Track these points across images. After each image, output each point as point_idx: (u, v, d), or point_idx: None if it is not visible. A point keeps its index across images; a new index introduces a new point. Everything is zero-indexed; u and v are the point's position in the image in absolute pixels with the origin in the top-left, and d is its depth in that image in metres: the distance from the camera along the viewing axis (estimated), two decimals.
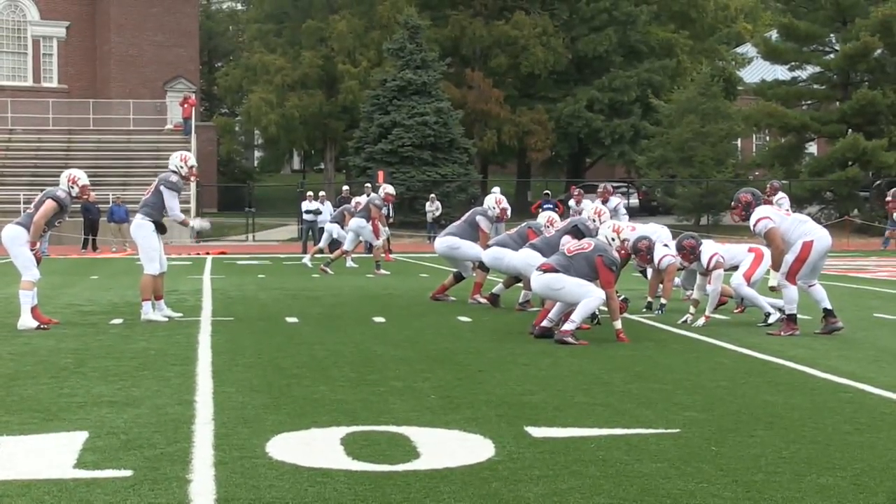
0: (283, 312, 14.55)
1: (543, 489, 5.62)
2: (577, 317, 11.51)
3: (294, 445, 6.53)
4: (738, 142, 59.39)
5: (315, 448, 6.48)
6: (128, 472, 5.87)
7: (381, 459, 6.17)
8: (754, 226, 12.31)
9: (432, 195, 42.46)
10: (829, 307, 12.34)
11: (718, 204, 48.49)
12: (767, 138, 60.14)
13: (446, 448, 6.53)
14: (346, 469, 5.97)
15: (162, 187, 13.64)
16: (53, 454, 6.31)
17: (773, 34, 55.31)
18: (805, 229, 12.27)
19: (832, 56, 51.29)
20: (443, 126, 50.37)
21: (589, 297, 11.62)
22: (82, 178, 13.55)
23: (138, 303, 16.00)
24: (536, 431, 6.94)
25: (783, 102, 51.12)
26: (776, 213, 12.53)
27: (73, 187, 13.31)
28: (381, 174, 41.07)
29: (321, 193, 38.45)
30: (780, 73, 57.24)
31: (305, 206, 36.43)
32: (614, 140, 57.71)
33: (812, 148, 58.46)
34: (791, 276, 12.16)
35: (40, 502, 5.35)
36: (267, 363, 9.95)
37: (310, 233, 36.86)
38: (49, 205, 12.89)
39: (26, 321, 12.62)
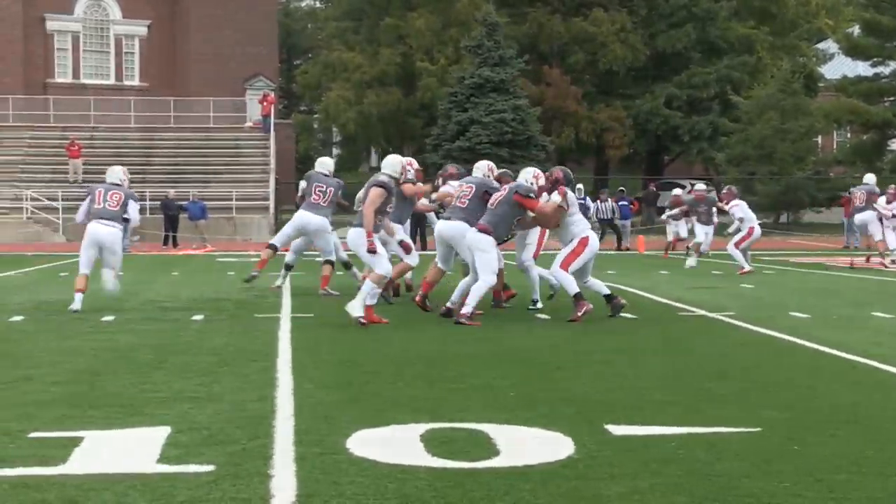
0: None
1: (623, 487, 5.58)
2: (472, 300, 12.81)
3: (374, 442, 6.53)
4: (819, 139, 58.65)
5: (395, 445, 6.49)
6: (210, 467, 5.91)
7: (461, 456, 6.16)
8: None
9: None
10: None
11: (798, 201, 47.99)
12: (849, 135, 59.35)
13: (526, 445, 6.52)
14: (426, 466, 5.97)
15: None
16: (137, 449, 6.37)
17: (855, 30, 54.60)
18: None
19: None
20: (520, 123, 50.26)
21: (484, 279, 12.90)
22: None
23: (217, 298, 16.20)
24: (616, 429, 6.91)
25: (865, 99, 50.46)
26: None
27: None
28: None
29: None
30: (862, 69, 56.43)
31: None
32: (693, 137, 57.25)
33: (895, 145, 57.58)
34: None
35: (124, 496, 5.40)
36: (346, 360, 9.99)
37: None
38: (375, 192, 12.99)
39: (356, 308, 12.47)
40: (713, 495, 5.46)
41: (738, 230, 22.56)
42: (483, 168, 14.47)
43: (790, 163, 49.33)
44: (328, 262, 16.77)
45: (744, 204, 22.98)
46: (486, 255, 13.00)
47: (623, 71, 57.43)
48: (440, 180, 15.96)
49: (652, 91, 57.78)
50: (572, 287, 13.23)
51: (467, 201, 14.02)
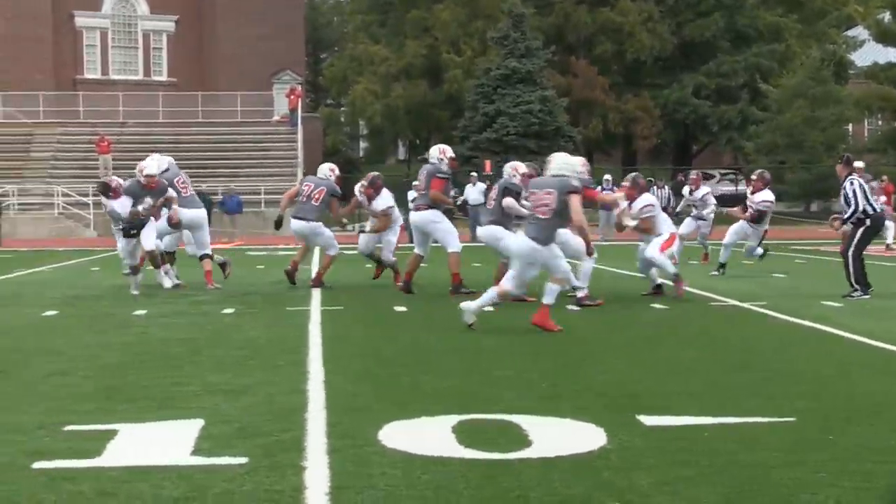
0: (392, 302, 14.61)
1: (656, 478, 5.58)
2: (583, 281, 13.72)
3: (406, 434, 6.55)
4: (850, 126, 58.26)
5: (427, 436, 6.50)
6: (243, 459, 5.94)
7: (493, 447, 6.17)
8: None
9: None
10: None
11: (829, 190, 47.64)
12: (880, 122, 58.92)
13: (557, 436, 6.52)
14: (458, 457, 5.98)
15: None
16: (171, 441, 6.41)
17: (886, 16, 54.09)
18: None
19: None
20: (548, 114, 50.18)
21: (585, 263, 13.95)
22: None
23: (248, 292, 16.26)
24: (648, 420, 6.90)
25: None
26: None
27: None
28: (487, 163, 40.90)
29: (415, 182, 38.45)
30: (893, 55, 55.96)
31: (412, 195, 36.55)
32: (722, 126, 57.02)
33: None
34: None
35: (159, 488, 5.43)
36: (376, 352, 10.02)
37: None
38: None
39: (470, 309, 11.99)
40: (746, 485, 5.45)
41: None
42: (507, 169, 15.01)
43: (821, 151, 49.03)
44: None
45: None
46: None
47: (650, 60, 57.23)
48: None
49: (680, 80, 57.54)
50: (670, 268, 14.79)
51: (493, 202, 14.75)
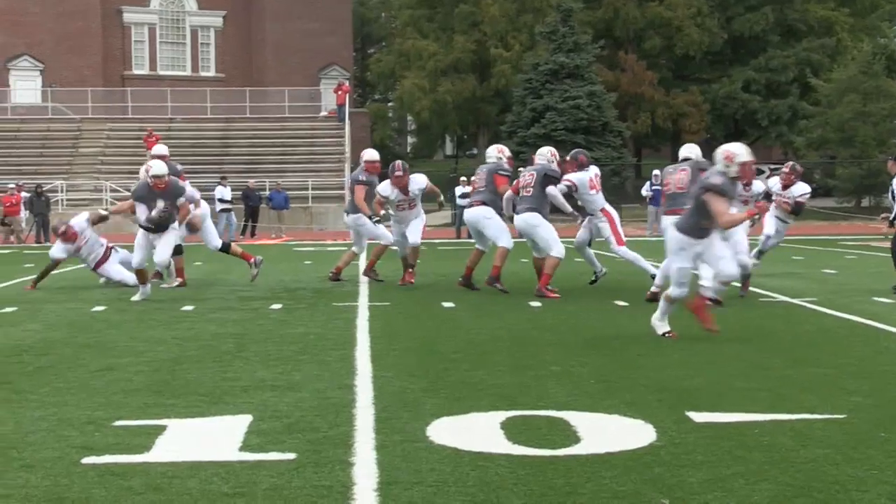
0: (439, 297, 14.59)
1: (707, 475, 5.54)
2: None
3: (454, 429, 6.53)
4: None
5: (475, 432, 6.47)
6: (291, 455, 5.94)
7: (542, 444, 6.14)
8: None
9: None
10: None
11: (880, 185, 47.22)
12: None
13: (607, 432, 6.48)
14: (507, 453, 5.95)
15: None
16: (219, 437, 6.42)
17: None
18: None
19: None
20: (596, 109, 50.04)
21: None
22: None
23: (295, 287, 16.28)
24: (698, 416, 6.85)
25: None
26: None
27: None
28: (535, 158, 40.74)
29: (473, 178, 38.36)
30: None
31: (458, 190, 36.50)
32: (771, 121, 56.68)
33: None
34: None
35: (208, 483, 5.43)
36: (424, 348, 10.00)
37: (463, 217, 36.86)
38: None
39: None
40: (799, 482, 5.39)
41: None
42: (545, 154, 14.70)
43: (872, 146, 48.60)
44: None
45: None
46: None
47: (699, 55, 56.99)
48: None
49: (729, 75, 57.27)
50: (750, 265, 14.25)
51: (531, 189, 14.59)
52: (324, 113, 55.10)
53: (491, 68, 57.80)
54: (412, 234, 16.55)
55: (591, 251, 15.54)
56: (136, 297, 14.68)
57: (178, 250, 16.26)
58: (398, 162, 16.83)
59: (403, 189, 16.38)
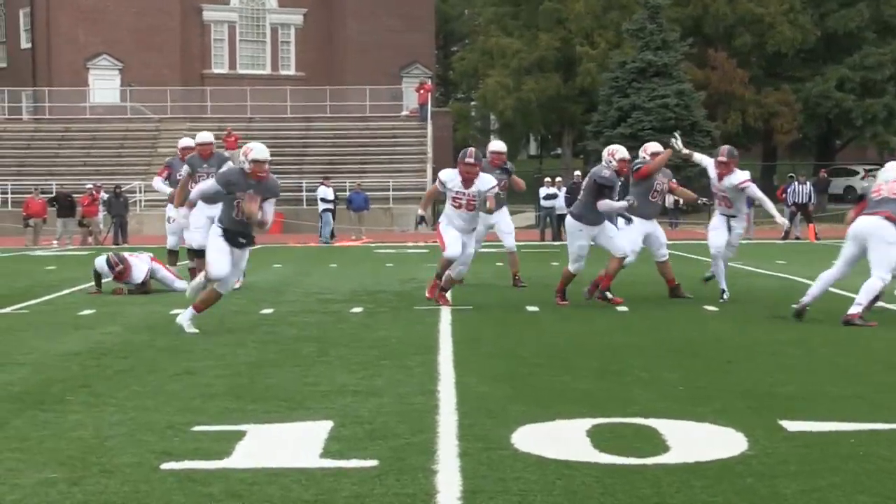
0: (523, 301, 14.45)
1: (801, 485, 5.39)
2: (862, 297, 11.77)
3: (539, 437, 6.42)
4: None
5: (561, 440, 6.36)
6: (373, 462, 5.86)
7: (630, 452, 6.02)
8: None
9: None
10: None
11: None
12: None
13: (696, 441, 6.33)
14: (593, 462, 5.84)
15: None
16: (300, 443, 6.35)
17: None
18: None
19: None
20: (684, 108, 49.41)
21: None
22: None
23: (377, 290, 16.21)
24: (790, 425, 6.68)
25: None
26: None
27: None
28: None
29: (558, 179, 38.16)
30: None
31: (543, 191, 36.31)
32: (866, 121, 55.58)
33: None
34: None
35: (288, 490, 5.37)
36: (508, 352, 9.87)
37: (547, 219, 36.68)
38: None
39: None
40: None
41: None
42: (603, 155, 13.94)
43: None
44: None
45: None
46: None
47: (792, 53, 56.10)
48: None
49: (822, 73, 56.27)
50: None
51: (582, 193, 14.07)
52: (405, 112, 54.99)
53: (576, 66, 57.33)
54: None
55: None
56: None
57: (200, 253, 14.69)
58: (471, 149, 14.03)
59: (468, 180, 13.53)
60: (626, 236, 14.17)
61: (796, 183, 35.11)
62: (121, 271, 15.85)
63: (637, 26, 51.47)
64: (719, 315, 12.81)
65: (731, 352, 9.82)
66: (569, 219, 14.00)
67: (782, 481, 5.48)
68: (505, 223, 16.68)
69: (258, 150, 11.41)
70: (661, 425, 6.69)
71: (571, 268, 13.84)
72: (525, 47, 57.84)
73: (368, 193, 40.97)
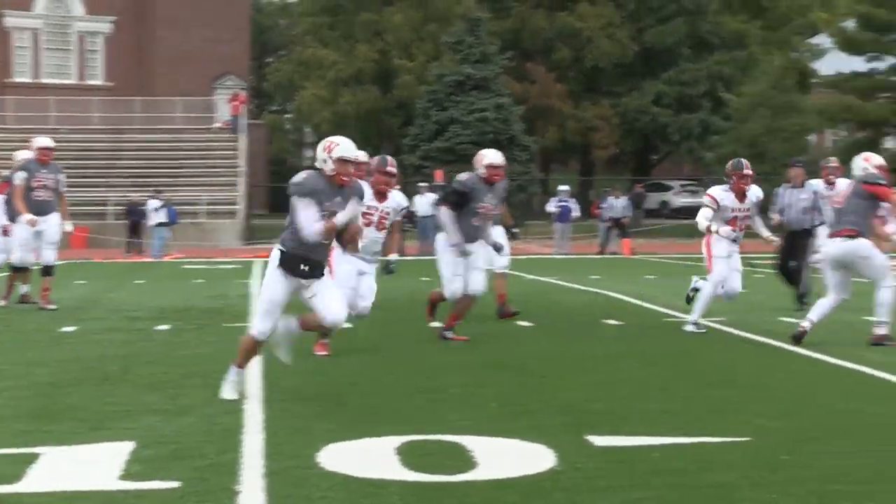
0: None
1: (608, 500, 5.46)
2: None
3: (347, 455, 6.35)
4: (813, 137, 58.24)
5: (369, 458, 6.30)
6: (176, 484, 5.72)
7: (438, 469, 5.99)
8: None
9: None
10: None
11: None
12: (844, 133, 58.89)
13: (505, 457, 6.34)
14: (401, 480, 5.81)
15: None
16: (99, 464, 6.15)
17: (850, 23, 53.97)
18: None
19: None
20: (503, 122, 49.64)
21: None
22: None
23: (185, 307, 15.84)
24: (599, 440, 6.72)
25: (860, 95, 49.93)
26: None
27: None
28: (439, 173, 39.11)
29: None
30: (857, 64, 55.76)
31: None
32: (682, 136, 56.80)
33: (889, 143, 57.14)
34: None
35: None
36: (320, 371, 9.71)
37: None
38: None
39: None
40: None
41: None
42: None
43: (783, 162, 48.97)
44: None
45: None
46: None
47: (610, 67, 56.95)
48: None
49: (640, 88, 57.28)
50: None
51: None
52: (218, 124, 53.66)
53: (394, 79, 57.20)
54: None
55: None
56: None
57: (47, 271, 15.14)
58: (390, 157, 11.71)
59: (382, 193, 11.29)
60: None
61: (611, 198, 35.35)
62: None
63: (456, 39, 51.56)
64: (534, 331, 12.85)
65: (545, 367, 9.85)
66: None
67: (590, 496, 5.52)
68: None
69: (345, 145, 8.33)
70: (471, 442, 6.65)
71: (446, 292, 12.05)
72: (342, 59, 57.45)
73: (179, 208, 39.77)
